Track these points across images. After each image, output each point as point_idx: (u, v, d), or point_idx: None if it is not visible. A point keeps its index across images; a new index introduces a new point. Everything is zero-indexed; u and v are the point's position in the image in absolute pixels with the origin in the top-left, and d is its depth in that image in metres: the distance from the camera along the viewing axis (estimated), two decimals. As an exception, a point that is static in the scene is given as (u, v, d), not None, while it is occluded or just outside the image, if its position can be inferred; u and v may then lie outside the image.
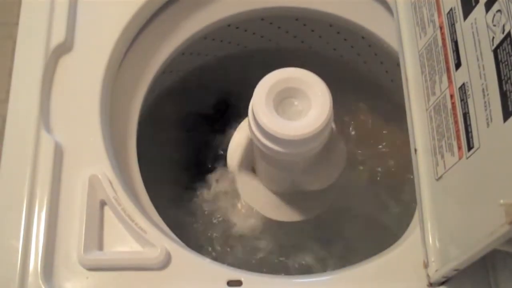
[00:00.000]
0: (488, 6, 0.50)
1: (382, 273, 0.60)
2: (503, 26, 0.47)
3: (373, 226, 0.88)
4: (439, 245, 0.57)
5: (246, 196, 0.77)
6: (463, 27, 0.54)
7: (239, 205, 0.83)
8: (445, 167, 0.56)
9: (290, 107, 0.61)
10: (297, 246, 0.86)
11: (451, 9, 0.56)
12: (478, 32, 0.51)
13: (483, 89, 0.50)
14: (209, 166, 0.90)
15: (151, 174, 0.73)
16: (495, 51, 0.48)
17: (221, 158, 0.86)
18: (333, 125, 0.71)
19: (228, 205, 0.85)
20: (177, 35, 0.78)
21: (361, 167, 0.93)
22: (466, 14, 0.54)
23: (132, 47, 0.75)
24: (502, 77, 0.47)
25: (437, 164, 0.58)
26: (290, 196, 0.76)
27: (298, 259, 0.84)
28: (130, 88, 0.75)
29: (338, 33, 0.86)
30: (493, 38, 0.49)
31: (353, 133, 0.95)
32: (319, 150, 0.65)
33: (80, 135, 0.65)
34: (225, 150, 0.80)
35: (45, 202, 0.61)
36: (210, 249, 0.84)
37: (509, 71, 0.46)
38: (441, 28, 0.58)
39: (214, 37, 0.86)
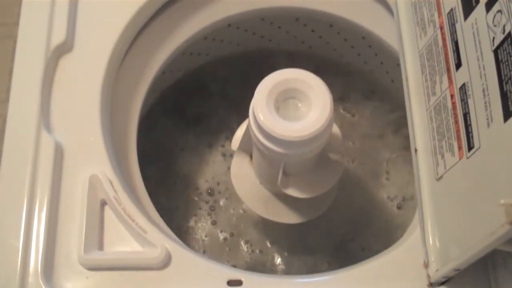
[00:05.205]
0: (489, 6, 0.50)
1: (382, 273, 0.60)
2: (504, 26, 0.47)
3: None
4: (440, 245, 0.57)
5: (234, 178, 0.76)
6: (464, 27, 0.54)
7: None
8: (445, 167, 0.56)
9: (290, 108, 0.61)
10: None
11: (451, 9, 0.56)
12: (479, 32, 0.51)
13: (483, 89, 0.50)
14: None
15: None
16: (495, 52, 0.48)
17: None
18: (338, 131, 0.70)
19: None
20: (177, 35, 0.78)
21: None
22: (466, 14, 0.54)
23: (133, 47, 0.75)
24: (503, 78, 0.47)
25: (437, 164, 0.58)
26: (278, 196, 0.75)
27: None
28: (130, 88, 0.75)
29: (338, 33, 0.86)
30: (494, 38, 0.49)
31: (353, 134, 0.96)
32: (316, 156, 0.65)
33: (81, 135, 0.65)
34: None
35: (45, 202, 0.61)
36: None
37: (510, 71, 0.46)
38: (441, 28, 0.58)
39: (215, 37, 0.86)
